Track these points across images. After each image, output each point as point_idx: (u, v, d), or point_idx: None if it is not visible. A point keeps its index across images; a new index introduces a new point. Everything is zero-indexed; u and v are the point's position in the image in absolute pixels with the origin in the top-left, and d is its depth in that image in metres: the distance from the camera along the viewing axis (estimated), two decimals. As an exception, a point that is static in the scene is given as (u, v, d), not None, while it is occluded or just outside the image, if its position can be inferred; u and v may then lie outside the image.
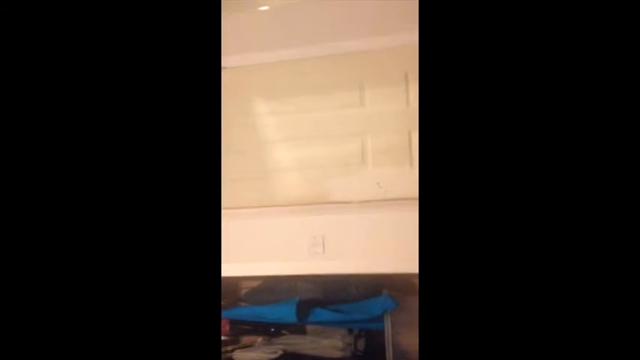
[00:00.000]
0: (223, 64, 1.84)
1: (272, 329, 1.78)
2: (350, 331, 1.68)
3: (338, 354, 1.65)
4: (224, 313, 1.76)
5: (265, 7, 1.87)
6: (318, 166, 1.77)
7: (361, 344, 1.65)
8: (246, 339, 1.84)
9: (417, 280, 1.76)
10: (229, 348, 1.77)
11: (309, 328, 1.78)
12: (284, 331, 1.78)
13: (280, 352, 1.69)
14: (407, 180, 1.67)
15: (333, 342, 1.65)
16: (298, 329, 1.78)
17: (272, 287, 1.82)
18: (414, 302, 1.62)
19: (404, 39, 1.65)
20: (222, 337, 1.76)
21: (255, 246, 1.74)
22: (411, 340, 1.57)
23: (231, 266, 1.55)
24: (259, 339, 1.80)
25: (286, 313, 1.66)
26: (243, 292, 1.91)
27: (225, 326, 1.78)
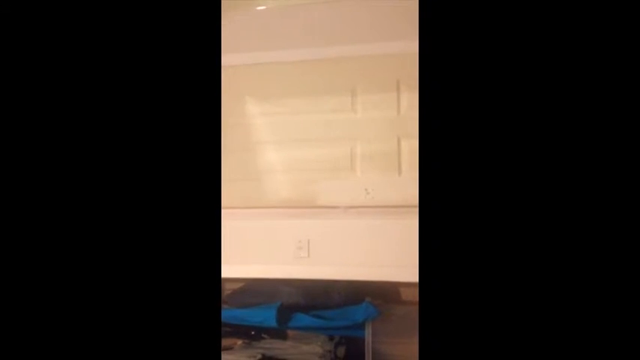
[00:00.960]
0: (216, 63, 1.83)
1: (252, 332, 1.76)
2: (330, 337, 1.66)
3: (317, 360, 1.63)
4: (205, 315, 1.74)
5: (262, 7, 1.87)
6: (306, 169, 1.76)
7: (341, 351, 1.63)
8: (226, 341, 1.82)
9: (399, 289, 1.75)
10: (208, 350, 1.75)
11: (290, 333, 1.76)
12: (264, 335, 1.76)
13: (259, 357, 1.66)
14: (395, 187, 1.66)
15: (313, 348, 1.63)
16: (279, 334, 1.76)
17: (254, 290, 1.80)
18: (395, 310, 1.61)
19: (398, 47, 1.65)
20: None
21: (239, 247, 1.72)
22: (391, 348, 1.55)
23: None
24: (239, 342, 1.78)
25: (267, 317, 1.64)
26: (226, 293, 1.89)
27: (205, 328, 1.76)
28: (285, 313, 1.65)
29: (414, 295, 1.64)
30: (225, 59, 1.82)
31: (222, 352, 1.75)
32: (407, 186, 1.61)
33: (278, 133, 1.79)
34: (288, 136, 1.78)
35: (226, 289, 1.90)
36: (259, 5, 1.86)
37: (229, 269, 1.72)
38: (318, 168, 1.74)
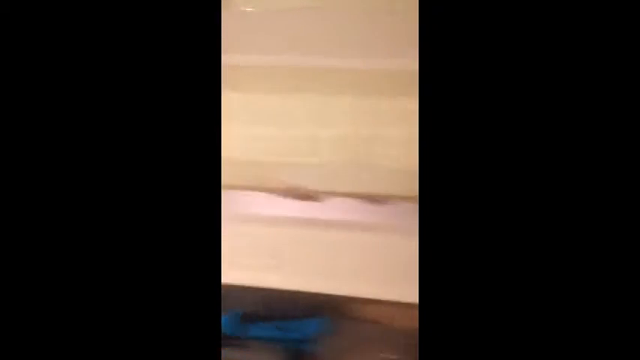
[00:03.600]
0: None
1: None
2: (285, 350, 1.67)
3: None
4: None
5: (250, 9, 1.79)
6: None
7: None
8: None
9: (355, 305, 1.77)
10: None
11: (249, 343, 1.75)
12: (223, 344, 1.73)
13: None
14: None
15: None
16: (238, 343, 1.75)
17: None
18: (351, 327, 1.61)
19: (398, 63, 1.65)
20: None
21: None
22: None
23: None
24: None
25: (225, 325, 1.65)
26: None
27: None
28: (244, 321, 1.64)
29: (366, 311, 1.69)
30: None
31: None
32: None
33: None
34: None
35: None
36: (247, 6, 1.79)
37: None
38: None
